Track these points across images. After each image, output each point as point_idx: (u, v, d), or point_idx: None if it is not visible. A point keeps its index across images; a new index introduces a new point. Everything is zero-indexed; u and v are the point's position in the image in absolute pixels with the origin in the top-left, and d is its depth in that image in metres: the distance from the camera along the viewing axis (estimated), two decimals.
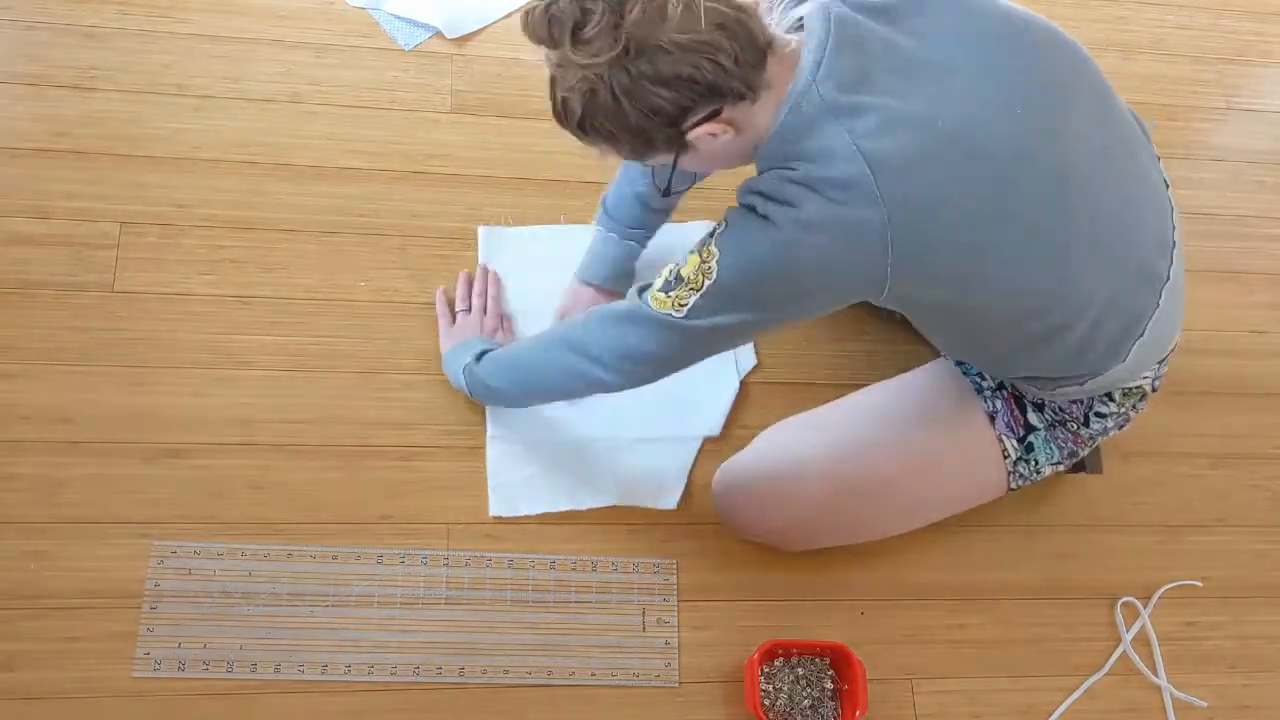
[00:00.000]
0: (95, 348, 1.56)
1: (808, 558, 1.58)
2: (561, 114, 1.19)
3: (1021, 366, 1.39)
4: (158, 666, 1.41)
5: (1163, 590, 1.67)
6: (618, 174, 1.61)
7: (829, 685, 1.50)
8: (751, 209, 1.21)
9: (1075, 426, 1.47)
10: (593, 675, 1.49)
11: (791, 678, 1.50)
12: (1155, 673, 1.62)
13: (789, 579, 1.58)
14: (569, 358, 1.39)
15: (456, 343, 1.58)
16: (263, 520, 1.50)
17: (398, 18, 1.88)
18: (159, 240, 1.64)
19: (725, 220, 1.24)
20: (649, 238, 1.65)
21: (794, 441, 1.52)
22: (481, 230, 1.73)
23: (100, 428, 1.52)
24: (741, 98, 1.15)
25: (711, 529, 1.59)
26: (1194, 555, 1.71)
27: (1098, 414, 1.46)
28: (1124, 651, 1.62)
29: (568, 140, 1.23)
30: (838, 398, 1.57)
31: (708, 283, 1.23)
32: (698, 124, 1.16)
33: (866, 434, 1.49)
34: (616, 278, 1.64)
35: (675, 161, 1.22)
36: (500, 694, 1.47)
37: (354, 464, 1.56)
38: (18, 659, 1.39)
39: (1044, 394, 1.44)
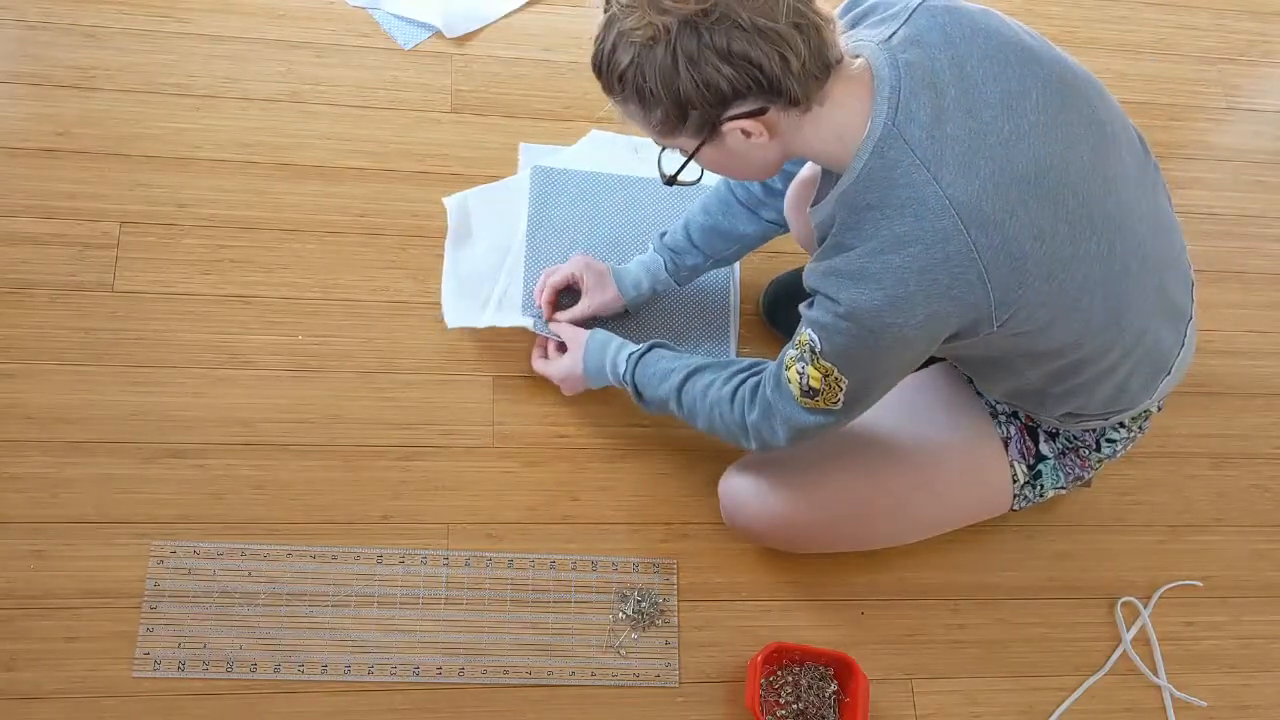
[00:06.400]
0: (95, 348, 1.56)
1: (808, 558, 1.58)
2: (604, 61, 1.13)
3: (1067, 405, 1.37)
4: (158, 666, 1.41)
5: (1163, 590, 1.66)
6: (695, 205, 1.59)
7: (830, 694, 1.50)
8: (833, 300, 1.18)
9: (1086, 452, 1.47)
10: (593, 675, 1.49)
11: (793, 683, 1.50)
12: (1155, 673, 1.62)
13: (789, 579, 1.58)
14: (739, 433, 1.37)
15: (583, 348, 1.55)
16: (263, 520, 1.51)
17: (397, 17, 1.88)
18: (159, 240, 1.64)
19: (817, 328, 1.21)
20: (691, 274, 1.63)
21: (805, 450, 1.48)
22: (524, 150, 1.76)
23: (100, 428, 1.52)
24: (794, 104, 1.12)
25: (712, 529, 1.59)
26: (1194, 555, 1.71)
27: (1108, 439, 1.46)
28: (1124, 651, 1.62)
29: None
30: None
31: (845, 384, 1.24)
32: (739, 116, 1.13)
33: (880, 450, 1.46)
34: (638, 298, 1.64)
35: (697, 149, 1.18)
36: (500, 694, 1.47)
37: (354, 464, 1.56)
38: (18, 659, 1.39)
39: (1066, 426, 1.43)
